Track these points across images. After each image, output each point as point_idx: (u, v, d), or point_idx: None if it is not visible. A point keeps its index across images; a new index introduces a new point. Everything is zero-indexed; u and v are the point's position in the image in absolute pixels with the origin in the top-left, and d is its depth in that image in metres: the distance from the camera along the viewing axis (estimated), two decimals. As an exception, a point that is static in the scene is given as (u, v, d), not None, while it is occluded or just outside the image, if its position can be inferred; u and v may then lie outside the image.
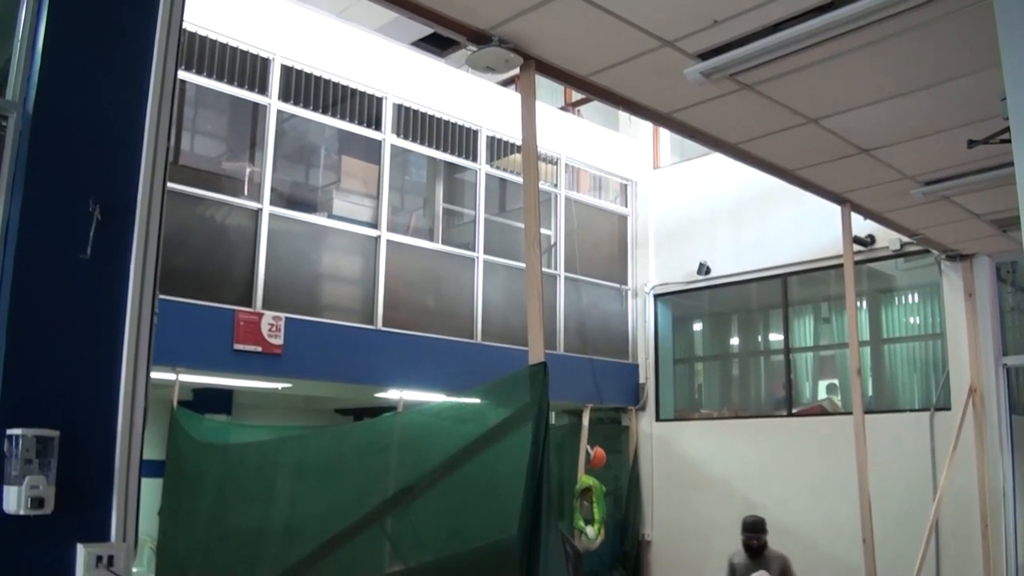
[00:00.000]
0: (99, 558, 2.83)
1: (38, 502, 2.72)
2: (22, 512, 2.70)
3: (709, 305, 12.72)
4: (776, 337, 11.90)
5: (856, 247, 8.59)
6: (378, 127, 9.80)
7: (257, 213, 8.69)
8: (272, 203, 8.82)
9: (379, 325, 9.46)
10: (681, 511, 11.70)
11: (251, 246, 8.63)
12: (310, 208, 9.64)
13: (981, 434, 8.96)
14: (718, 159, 10.03)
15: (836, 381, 11.33)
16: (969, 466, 8.85)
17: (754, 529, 7.74)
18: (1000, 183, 6.41)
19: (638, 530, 12.09)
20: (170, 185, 3.41)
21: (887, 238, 9.65)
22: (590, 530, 10.82)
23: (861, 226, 8.85)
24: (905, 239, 9.13)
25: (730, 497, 11.06)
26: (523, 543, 3.30)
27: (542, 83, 5.23)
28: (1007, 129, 3.25)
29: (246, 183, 8.99)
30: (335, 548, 4.68)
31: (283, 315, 8.58)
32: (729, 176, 11.11)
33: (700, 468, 11.59)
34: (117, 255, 3.08)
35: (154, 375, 3.19)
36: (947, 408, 9.39)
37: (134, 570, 3.01)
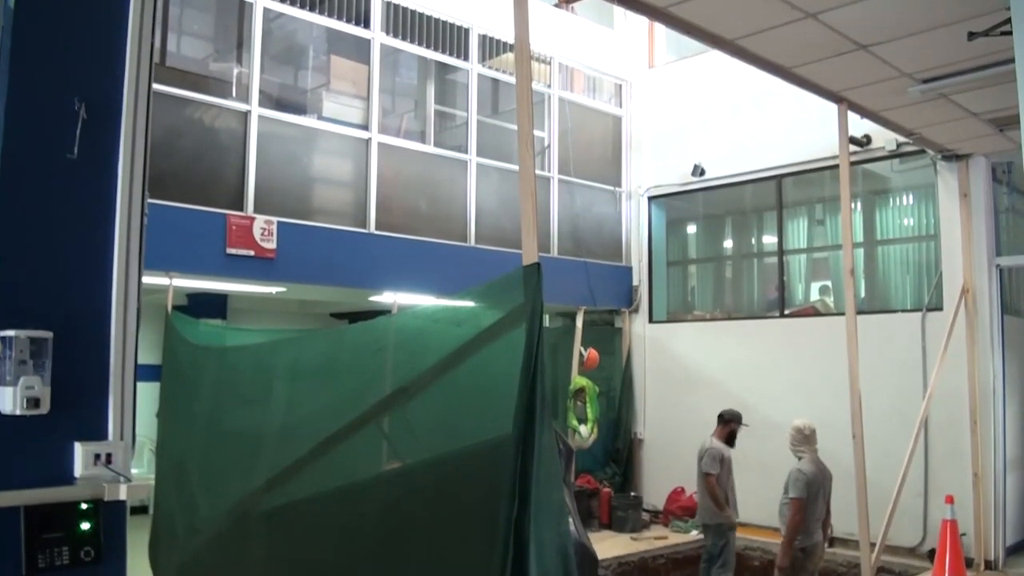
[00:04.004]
0: (97, 456, 2.86)
1: (34, 402, 2.73)
2: (18, 412, 2.71)
3: (703, 207, 12.68)
4: (770, 239, 11.90)
5: (852, 147, 8.51)
6: (367, 25, 9.59)
7: (246, 115, 8.58)
8: (261, 105, 8.70)
9: (372, 229, 9.43)
10: (673, 410, 11.86)
11: (241, 149, 8.54)
12: (299, 110, 9.50)
13: (972, 334, 9.03)
14: (714, 58, 9.86)
15: (829, 283, 11.38)
16: (960, 365, 8.95)
17: (741, 420, 8.08)
18: (999, 80, 6.32)
19: (630, 429, 12.29)
20: (157, 87, 3.34)
21: (883, 138, 9.57)
22: (583, 429, 11.00)
23: (857, 126, 8.77)
24: (901, 139, 9.05)
25: (722, 396, 11.17)
26: (517, 441, 3.33)
27: (535, -22, 5.09)
28: (1008, 20, 3.18)
29: (234, 85, 8.85)
30: (333, 447, 4.73)
31: (275, 219, 8.54)
32: (725, 76, 10.96)
33: (692, 369, 11.71)
34: (104, 155, 3.03)
35: (147, 280, 3.17)
36: (939, 309, 9.46)
37: (134, 471, 3.04)
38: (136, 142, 3.08)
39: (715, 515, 8.11)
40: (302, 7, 9.02)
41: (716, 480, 8.11)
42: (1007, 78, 5.82)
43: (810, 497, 7.20)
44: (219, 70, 9.15)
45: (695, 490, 8.58)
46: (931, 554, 8.39)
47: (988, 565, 8.74)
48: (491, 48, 10.91)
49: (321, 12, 9.23)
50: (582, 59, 12.18)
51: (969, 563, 8.43)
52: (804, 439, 7.46)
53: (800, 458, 7.39)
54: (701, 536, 10.69)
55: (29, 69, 2.91)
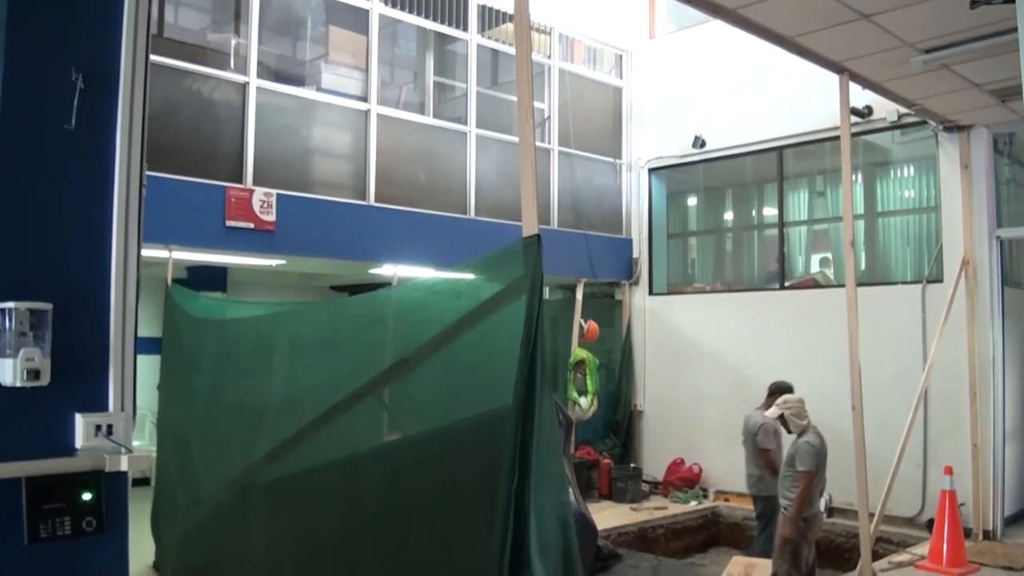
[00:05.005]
0: (98, 427, 2.87)
1: (34, 374, 2.73)
2: (19, 384, 2.72)
3: (704, 179, 12.65)
4: (770, 211, 11.88)
5: (853, 118, 8.47)
6: (364, -6, 9.53)
7: (244, 87, 8.53)
8: (259, 76, 8.65)
9: (372, 201, 9.41)
10: (672, 382, 11.90)
11: (239, 121, 8.50)
12: (298, 82, 9.45)
13: (972, 305, 9.03)
14: (715, 28, 9.82)
15: (829, 255, 11.38)
16: (959, 337, 8.95)
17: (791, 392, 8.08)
18: (1001, 50, 6.27)
19: (630, 400, 12.32)
20: (155, 58, 3.32)
21: (884, 109, 9.53)
22: (583, 401, 11.03)
23: (858, 97, 8.73)
24: (903, 110, 9.00)
25: (721, 368, 11.23)
26: (517, 412, 3.34)
27: (535, -53, 5.03)
28: (1013, -11, 3.16)
29: (232, 56, 8.79)
30: (334, 419, 4.74)
31: (274, 191, 8.52)
32: (726, 46, 10.90)
33: (692, 341, 11.73)
34: (102, 126, 3.02)
35: (147, 252, 3.16)
36: (939, 280, 9.45)
37: (136, 443, 3.05)
38: (134, 113, 3.06)
39: (769, 487, 8.07)
40: (300, -23, 8.96)
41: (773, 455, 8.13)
42: (1009, 48, 5.78)
43: (817, 468, 7.26)
44: (217, 41, 9.10)
45: (746, 461, 8.50)
46: (930, 524, 8.43)
47: (987, 535, 8.79)
48: (490, 18, 10.84)
49: (319, -18, 9.17)
50: (582, 29, 12.10)
51: (968, 533, 8.47)
52: (804, 410, 7.51)
53: (801, 432, 7.42)
54: (700, 507, 10.80)
55: (27, 39, 2.89)
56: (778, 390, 8.13)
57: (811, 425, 7.47)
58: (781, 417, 7.86)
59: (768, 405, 8.09)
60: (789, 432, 7.59)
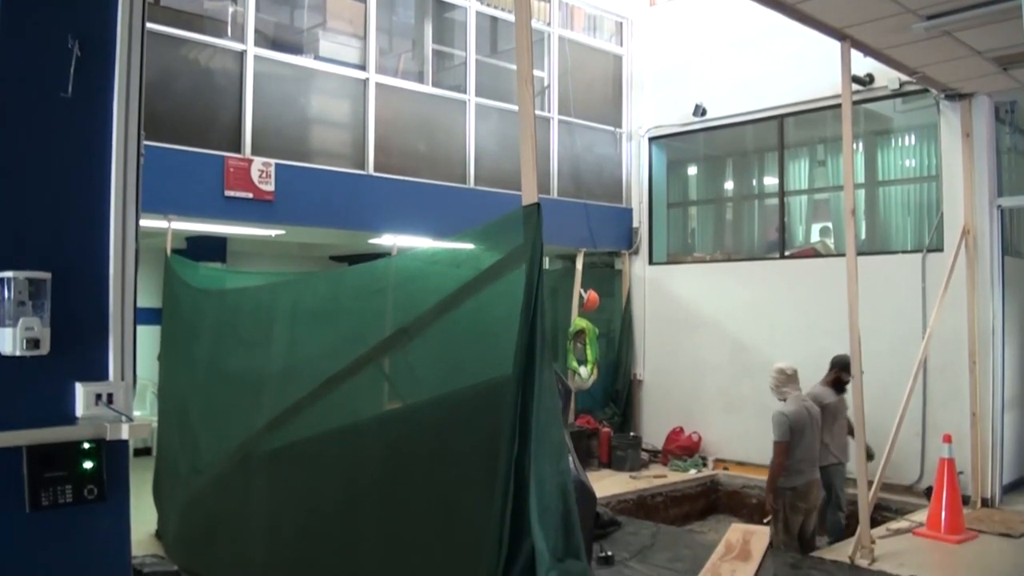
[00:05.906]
0: (98, 396, 2.87)
1: (33, 343, 2.73)
2: (18, 353, 2.71)
3: (704, 148, 12.60)
4: (771, 180, 11.84)
5: (854, 87, 8.42)
6: (363, -39, 9.45)
7: (242, 55, 8.48)
8: (257, 45, 8.59)
9: (371, 170, 9.38)
10: (672, 351, 11.92)
11: (237, 90, 8.45)
12: (296, 50, 9.38)
13: (972, 275, 9.02)
14: (716, -5, 9.73)
15: (829, 224, 11.36)
16: (959, 306, 8.95)
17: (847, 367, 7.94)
18: (1004, 17, 6.22)
19: (630, 369, 12.35)
20: (151, 26, 3.29)
21: (886, 77, 9.47)
22: (583, 370, 11.07)
23: (860, 65, 8.67)
24: (904, 78, 8.95)
25: (721, 338, 11.25)
26: (518, 381, 3.35)
27: (534, -88, 4.99)
28: (1018, -47, 3.13)
29: (229, 24, 8.72)
30: (334, 387, 4.76)
31: (273, 161, 8.49)
32: (727, 13, 10.83)
33: (692, 310, 11.73)
34: (99, 94, 2.99)
35: (146, 223, 3.15)
36: (939, 249, 9.43)
37: (137, 413, 3.05)
38: (131, 81, 3.04)
39: (824, 456, 7.91)
40: (297, -56, 8.88)
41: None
42: (1011, 15, 5.75)
43: (795, 438, 7.21)
44: (214, 9, 9.01)
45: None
46: (928, 492, 8.47)
47: (985, 503, 8.84)
48: (490, -15, 10.76)
49: (316, -51, 9.09)
50: (582, -3, 12.02)
51: (966, 501, 8.52)
52: (788, 379, 7.50)
53: (784, 399, 7.44)
54: (699, 475, 10.87)
55: (22, 6, 2.86)
56: (834, 364, 8.03)
57: (796, 395, 7.45)
58: (837, 386, 7.84)
59: (829, 379, 8.01)
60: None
